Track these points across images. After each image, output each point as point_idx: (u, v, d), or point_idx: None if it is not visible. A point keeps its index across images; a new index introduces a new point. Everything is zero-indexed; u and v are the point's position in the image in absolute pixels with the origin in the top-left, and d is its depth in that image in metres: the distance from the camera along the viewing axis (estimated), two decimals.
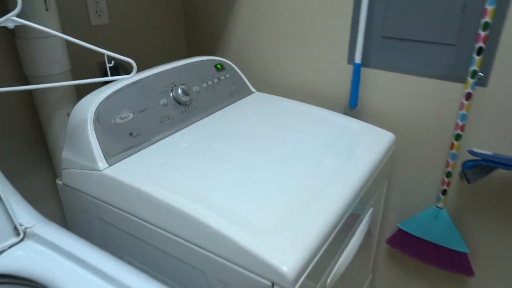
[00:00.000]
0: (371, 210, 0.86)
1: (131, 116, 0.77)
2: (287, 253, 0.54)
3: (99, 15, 0.97)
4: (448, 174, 0.94)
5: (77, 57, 0.95)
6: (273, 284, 0.54)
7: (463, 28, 0.85)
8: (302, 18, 1.05)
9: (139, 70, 0.87)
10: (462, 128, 0.89)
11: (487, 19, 0.80)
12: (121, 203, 0.68)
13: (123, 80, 0.80)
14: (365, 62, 1.00)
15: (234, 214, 0.59)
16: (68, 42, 0.87)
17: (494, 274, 1.01)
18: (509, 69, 0.83)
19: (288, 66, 1.13)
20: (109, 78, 0.64)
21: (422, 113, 0.97)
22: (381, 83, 1.00)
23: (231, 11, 1.18)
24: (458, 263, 0.98)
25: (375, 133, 0.90)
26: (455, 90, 0.91)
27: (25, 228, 0.58)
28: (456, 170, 0.96)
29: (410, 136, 1.00)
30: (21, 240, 0.57)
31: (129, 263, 0.74)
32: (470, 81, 0.85)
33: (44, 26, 0.77)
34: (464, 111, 0.88)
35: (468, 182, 0.89)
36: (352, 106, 1.03)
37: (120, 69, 1.02)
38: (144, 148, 0.76)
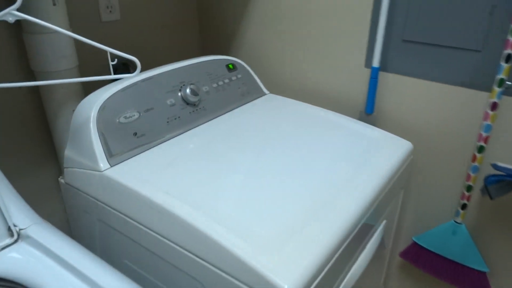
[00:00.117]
0: (384, 221, 0.81)
1: (136, 115, 0.75)
2: (289, 269, 0.50)
3: (110, 11, 0.95)
4: (469, 188, 0.89)
5: (86, 53, 0.93)
6: None
7: (490, 33, 0.80)
8: (319, 19, 1.01)
9: (151, 68, 0.85)
10: (486, 140, 0.84)
11: None
12: (121, 206, 0.66)
13: (130, 78, 0.78)
14: (384, 66, 0.95)
15: (236, 224, 0.56)
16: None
17: None
18: None
19: (302, 67, 1.09)
20: (112, 76, 0.62)
21: (442, 122, 0.91)
22: (400, 89, 0.95)
23: (245, 10, 1.14)
24: (476, 282, 0.92)
25: (391, 141, 0.85)
26: (479, 99, 0.85)
27: (20, 230, 0.56)
28: (478, 184, 0.90)
29: (429, 146, 0.95)
30: (15, 241, 0.55)
31: (128, 267, 0.72)
32: (497, 90, 0.80)
33: (51, 21, 0.76)
34: (488, 122, 0.82)
35: (490, 198, 0.83)
36: (368, 112, 0.98)
37: (130, 66, 1.00)
38: (148, 149, 0.74)
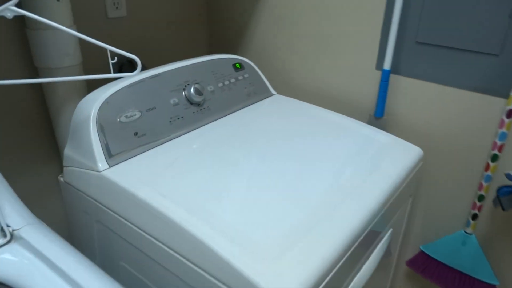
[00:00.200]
0: (391, 229, 0.78)
1: (138, 115, 0.74)
2: (288, 279, 0.48)
3: (117, 7, 0.94)
4: (481, 198, 0.85)
5: (91, 49, 0.92)
6: None
7: (508, 36, 0.76)
8: (330, 19, 0.98)
9: (157, 66, 0.83)
10: (500, 149, 0.80)
11: None
12: (118, 208, 0.64)
13: (133, 77, 0.77)
14: (395, 69, 0.92)
15: (233, 231, 0.54)
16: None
17: None
18: None
19: (311, 68, 1.07)
20: (111, 75, 0.60)
21: (455, 128, 0.88)
22: (411, 93, 0.91)
23: (255, 8, 1.12)
24: None
25: (401, 146, 0.82)
26: (495, 105, 0.81)
27: (13, 230, 0.55)
28: (490, 194, 0.86)
29: (440, 153, 0.92)
30: (8, 242, 0.54)
31: (125, 269, 0.71)
32: None
33: (55, 17, 0.74)
34: (504, 130, 0.79)
35: (503, 209, 0.80)
36: (378, 116, 0.95)
37: (136, 64, 0.98)
38: (149, 150, 0.72)
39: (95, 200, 0.69)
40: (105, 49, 0.95)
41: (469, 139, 0.87)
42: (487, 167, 0.83)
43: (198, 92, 0.83)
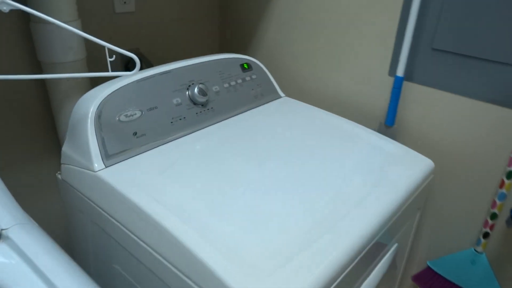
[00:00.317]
0: (397, 243, 0.75)
1: (138, 114, 0.72)
2: None
3: (125, 2, 0.92)
4: (493, 216, 0.81)
5: (97, 44, 0.91)
6: None
7: None
8: (344, 22, 0.95)
9: (165, 63, 0.81)
10: None
11: None
12: (111, 210, 0.63)
13: (131, 76, 0.75)
14: (409, 76, 0.88)
15: (228, 243, 0.52)
16: (85, 29, 0.83)
17: None
18: None
19: (321, 71, 1.03)
20: (110, 73, 0.58)
21: (470, 141, 0.83)
22: (424, 101, 0.87)
23: (267, 8, 1.09)
24: None
25: (411, 157, 0.78)
26: None
27: (1, 230, 0.53)
28: (504, 213, 0.82)
29: (452, 166, 0.88)
30: None
31: (117, 272, 0.69)
32: None
33: (58, 11, 0.73)
34: None
35: None
36: (388, 124, 0.91)
37: (142, 61, 0.97)
38: (147, 151, 0.71)
39: (90, 200, 0.67)
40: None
41: (484, 154, 0.82)
42: (501, 184, 0.79)
43: (202, 92, 0.81)
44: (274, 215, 0.58)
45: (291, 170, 0.69)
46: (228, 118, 0.86)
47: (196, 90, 0.80)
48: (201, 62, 0.86)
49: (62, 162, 0.72)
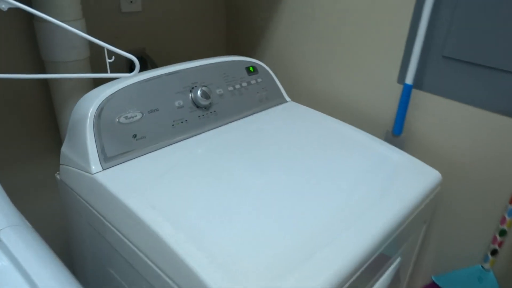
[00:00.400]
0: (401, 256, 0.73)
1: (139, 116, 0.70)
2: None
3: (131, 1, 0.91)
4: (502, 232, 0.78)
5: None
6: None
7: None
8: (353, 27, 0.92)
9: (170, 64, 0.80)
10: None
11: None
12: (107, 213, 0.62)
13: (139, 75, 0.74)
14: (418, 84, 0.85)
15: (222, 254, 0.50)
16: (90, 29, 0.83)
17: None
18: None
19: (329, 76, 1.01)
20: (108, 75, 0.57)
21: (480, 153, 0.80)
22: (434, 111, 0.85)
23: (276, 11, 1.07)
24: None
25: (418, 168, 0.76)
26: None
27: None
28: None
29: (461, 179, 0.85)
30: None
31: (112, 276, 0.68)
32: None
33: (62, 9, 0.72)
34: None
35: None
36: (396, 133, 0.89)
37: (148, 62, 0.96)
38: (147, 153, 0.69)
39: (87, 202, 0.66)
40: (117, 45, 0.93)
41: (495, 167, 0.79)
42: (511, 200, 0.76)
43: (205, 95, 0.79)
44: (273, 226, 0.56)
45: (293, 178, 0.67)
46: (231, 122, 0.84)
47: (199, 92, 0.79)
48: (205, 64, 0.85)
49: (60, 162, 0.71)
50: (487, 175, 0.81)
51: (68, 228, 0.78)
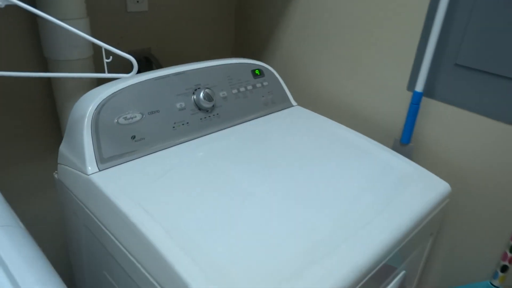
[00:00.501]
0: (406, 269, 0.70)
1: (138, 117, 0.69)
2: None
3: (137, 1, 0.90)
4: None
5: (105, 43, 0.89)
6: None
7: None
8: (363, 32, 0.90)
9: (176, 65, 0.79)
10: None
11: None
12: (101, 215, 0.60)
13: (140, 76, 0.73)
14: (429, 92, 0.82)
15: (214, 264, 0.48)
16: (96, 28, 0.82)
17: None
18: None
19: (337, 81, 0.99)
20: (106, 75, 0.56)
21: (492, 165, 0.77)
22: (444, 120, 0.82)
23: (285, 14, 1.05)
24: None
25: (426, 179, 0.73)
26: None
27: None
28: None
29: (471, 191, 0.81)
30: None
31: (106, 279, 0.67)
32: None
33: (66, 8, 0.72)
34: None
35: None
36: (404, 142, 0.86)
37: (152, 62, 0.95)
38: (145, 156, 0.68)
39: (82, 203, 0.65)
40: (119, 44, 0.93)
41: (507, 181, 0.76)
42: None
43: (208, 97, 0.78)
44: (272, 236, 0.54)
45: (296, 185, 0.65)
46: (234, 125, 0.82)
47: (202, 94, 0.77)
48: (209, 66, 0.83)
49: (58, 162, 0.70)
50: (499, 188, 0.78)
51: (65, 229, 0.78)
